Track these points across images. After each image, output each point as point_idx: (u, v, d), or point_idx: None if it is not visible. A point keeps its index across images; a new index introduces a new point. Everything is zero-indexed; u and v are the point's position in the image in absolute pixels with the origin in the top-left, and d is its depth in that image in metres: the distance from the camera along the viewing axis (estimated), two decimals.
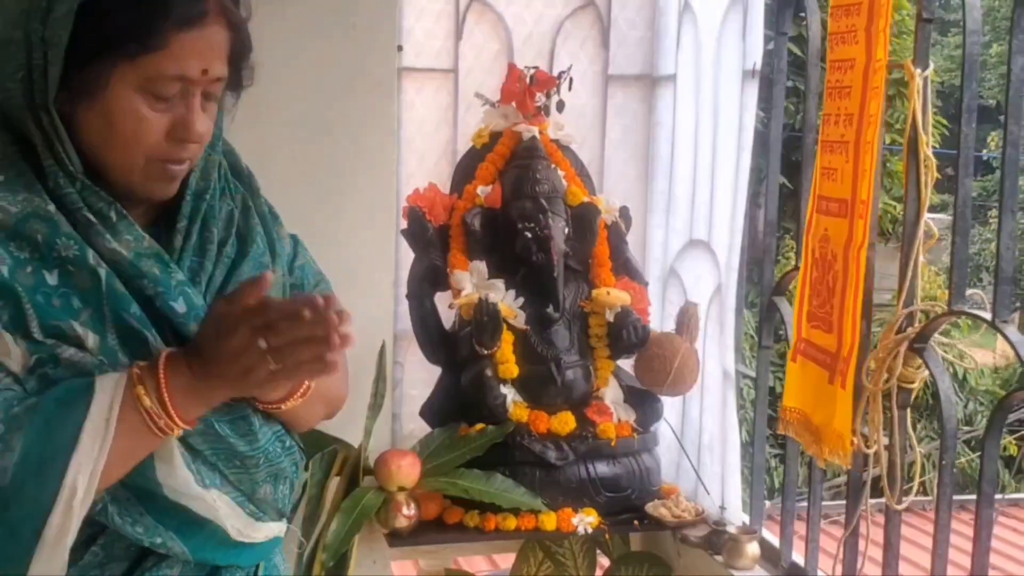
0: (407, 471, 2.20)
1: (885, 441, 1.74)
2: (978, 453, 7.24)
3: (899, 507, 1.73)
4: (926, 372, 1.71)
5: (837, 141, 1.70)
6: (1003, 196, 1.51)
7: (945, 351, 1.74)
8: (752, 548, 2.13)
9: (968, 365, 1.84)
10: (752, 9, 2.16)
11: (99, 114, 1.17)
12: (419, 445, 2.33)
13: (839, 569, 1.87)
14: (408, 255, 2.42)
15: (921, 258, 1.71)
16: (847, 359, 1.65)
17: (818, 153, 1.79)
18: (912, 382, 1.71)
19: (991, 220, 13.73)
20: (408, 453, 2.25)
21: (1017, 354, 1.46)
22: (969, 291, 1.65)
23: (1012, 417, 7.15)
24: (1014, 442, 7.38)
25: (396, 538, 2.22)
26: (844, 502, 1.91)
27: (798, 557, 2.09)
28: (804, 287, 1.82)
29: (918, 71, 1.67)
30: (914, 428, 1.78)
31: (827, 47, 1.77)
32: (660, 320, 2.53)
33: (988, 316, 1.56)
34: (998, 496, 1.94)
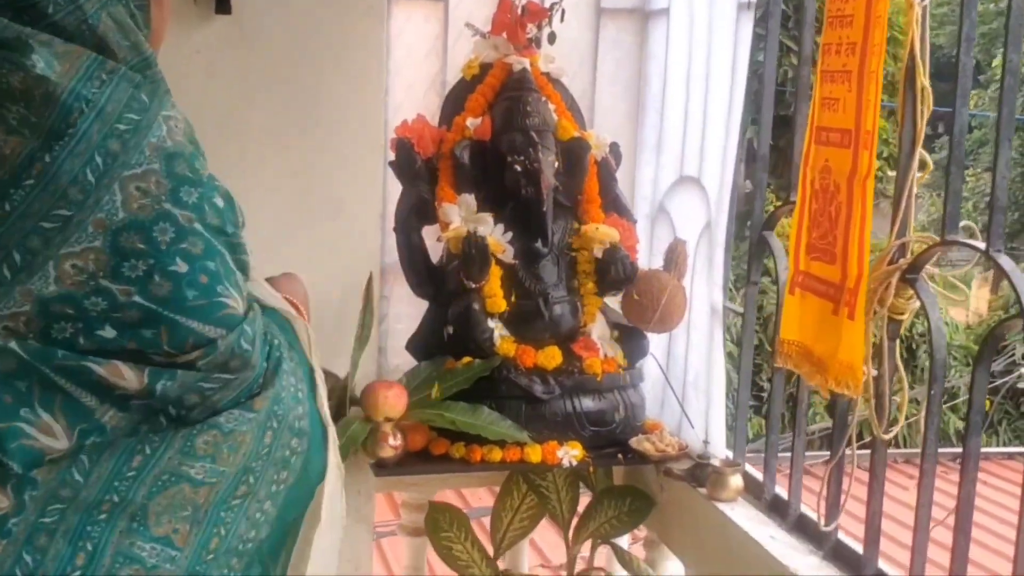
0: (394, 402, 2.19)
1: (873, 373, 1.74)
2: (950, 403, 7.35)
3: (886, 437, 1.74)
4: (916, 303, 1.71)
5: (839, 71, 1.68)
6: (1000, 124, 1.51)
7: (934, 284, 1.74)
8: (735, 480, 2.15)
9: (959, 298, 1.83)
10: None
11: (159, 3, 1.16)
12: (405, 377, 2.32)
13: (824, 502, 1.89)
14: (395, 187, 2.40)
15: (915, 190, 1.71)
16: (854, 290, 1.64)
17: (816, 83, 1.77)
18: (902, 313, 1.71)
19: (968, 179, 13.81)
20: (395, 384, 2.24)
21: (1011, 282, 1.46)
22: (962, 223, 1.64)
23: (995, 367, 7.18)
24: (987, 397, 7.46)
25: (381, 468, 2.22)
26: (825, 452, 1.92)
27: (781, 491, 2.10)
28: (802, 219, 1.81)
29: (917, 0, 1.66)
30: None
31: None
32: (648, 257, 2.52)
33: (982, 246, 1.56)
34: None
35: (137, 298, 0.98)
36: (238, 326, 1.04)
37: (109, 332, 0.98)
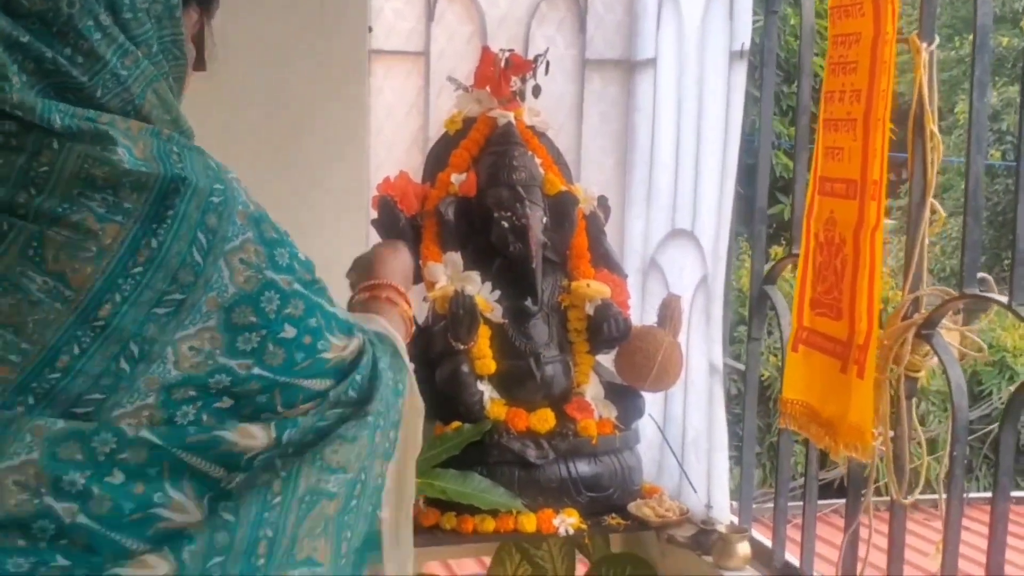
0: None
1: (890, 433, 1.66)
2: (935, 455, 7.24)
3: (906, 501, 1.66)
4: (933, 360, 1.64)
5: (843, 119, 1.63)
6: (1019, 176, 1.45)
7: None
8: (743, 548, 2.05)
9: (977, 353, 1.76)
10: None
11: None
12: None
13: (838, 569, 1.80)
14: None
15: (927, 240, 1.64)
16: (863, 347, 1.57)
17: (819, 132, 1.71)
18: (919, 371, 1.64)
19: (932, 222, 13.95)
20: None
21: None
22: (980, 274, 1.58)
23: (975, 414, 7.13)
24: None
25: None
26: (834, 501, 1.84)
27: (791, 557, 2.01)
28: (806, 273, 1.74)
29: (924, 45, 1.61)
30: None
31: (828, 21, 1.69)
32: (640, 313, 2.45)
33: (1004, 299, 1.49)
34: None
35: (256, 370, 0.99)
36: (348, 376, 1.05)
37: (226, 402, 0.99)
